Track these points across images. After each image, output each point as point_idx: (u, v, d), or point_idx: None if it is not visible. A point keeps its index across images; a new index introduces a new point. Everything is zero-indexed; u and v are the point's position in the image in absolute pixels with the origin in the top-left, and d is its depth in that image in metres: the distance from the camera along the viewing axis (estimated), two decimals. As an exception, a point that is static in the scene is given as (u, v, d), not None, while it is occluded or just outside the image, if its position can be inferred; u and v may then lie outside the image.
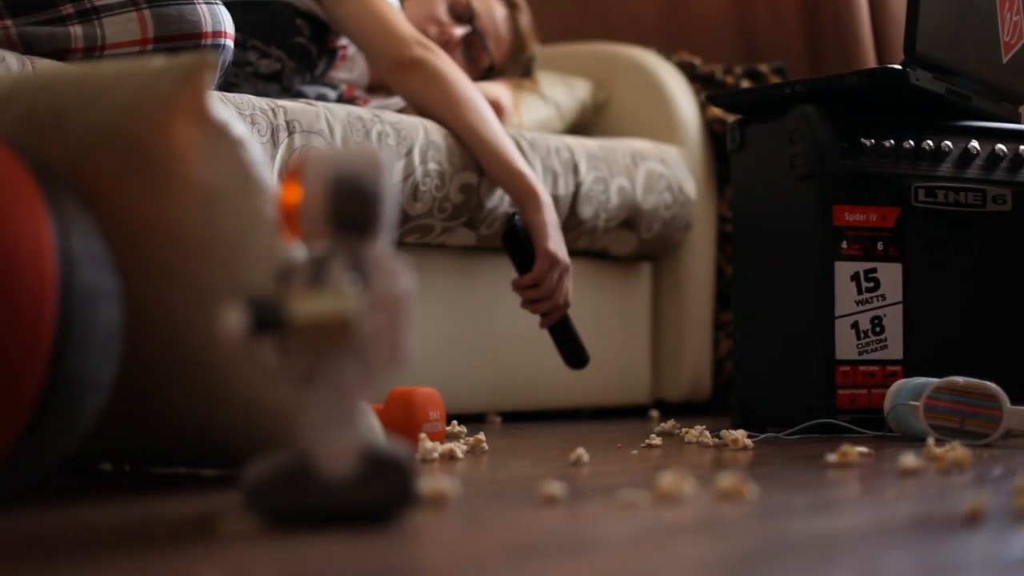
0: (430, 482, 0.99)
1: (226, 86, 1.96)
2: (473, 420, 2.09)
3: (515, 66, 2.33)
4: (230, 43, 1.64)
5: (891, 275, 1.82)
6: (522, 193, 1.93)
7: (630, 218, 2.30)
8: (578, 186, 2.19)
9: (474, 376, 2.15)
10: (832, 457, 1.35)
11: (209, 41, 1.61)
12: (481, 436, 1.52)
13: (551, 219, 1.93)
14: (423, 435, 1.44)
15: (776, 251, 1.86)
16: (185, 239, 1.04)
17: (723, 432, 1.60)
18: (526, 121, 2.36)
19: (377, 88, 2.26)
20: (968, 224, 1.87)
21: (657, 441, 1.59)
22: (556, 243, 1.92)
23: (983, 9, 1.87)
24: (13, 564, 0.74)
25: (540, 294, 1.92)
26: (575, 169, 2.19)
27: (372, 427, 1.15)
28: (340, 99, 2.16)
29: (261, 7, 1.99)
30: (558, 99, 2.49)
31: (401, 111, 2.09)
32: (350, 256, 0.88)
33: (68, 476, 1.20)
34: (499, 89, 2.24)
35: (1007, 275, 1.90)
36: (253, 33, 1.98)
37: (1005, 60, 1.91)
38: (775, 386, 1.85)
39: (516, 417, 2.22)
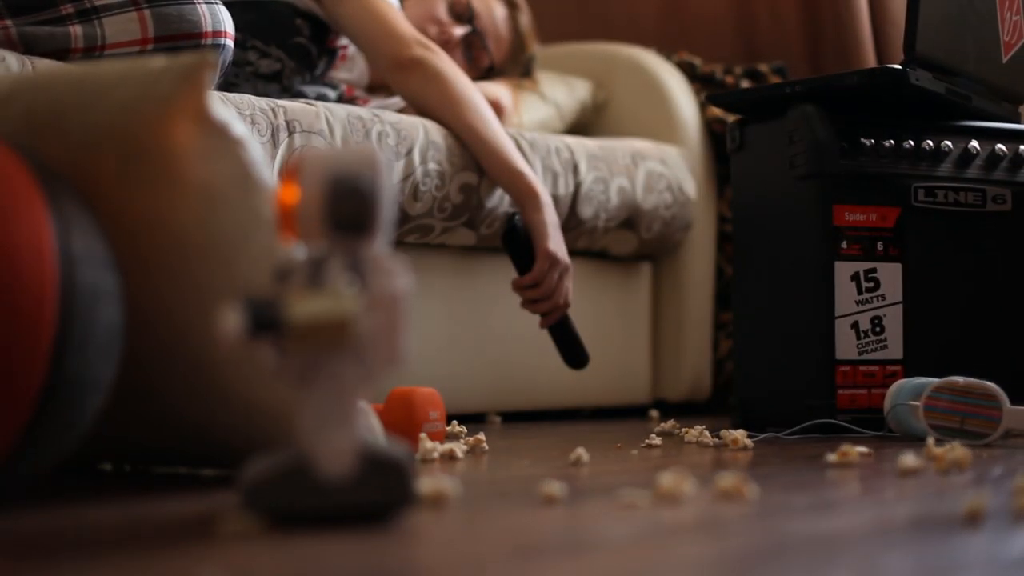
0: (430, 482, 0.99)
1: (226, 86, 1.96)
2: (473, 420, 2.09)
3: (515, 66, 2.33)
4: (230, 43, 1.64)
5: (891, 275, 1.82)
6: (522, 193, 1.93)
7: (630, 218, 2.30)
8: (578, 186, 2.19)
9: (474, 376, 2.15)
10: (832, 457, 1.35)
11: (209, 41, 1.61)
12: (481, 436, 1.52)
13: (551, 219, 1.93)
14: (423, 435, 1.44)
15: (776, 251, 1.86)
16: (185, 239, 1.04)
17: (723, 432, 1.60)
18: (526, 121, 2.36)
19: (377, 88, 2.26)
20: (968, 224, 1.87)
21: (657, 441, 1.59)
22: (556, 243, 1.92)
23: (983, 9, 1.87)
24: (13, 564, 0.74)
25: (540, 294, 1.92)
26: (575, 169, 2.19)
27: (372, 427, 1.15)
28: (340, 99, 2.16)
29: (261, 7, 1.99)
30: (558, 99, 2.49)
31: (401, 111, 2.09)
32: (348, 256, 0.88)
33: (68, 476, 1.20)
34: (499, 89, 2.24)
35: (1007, 275, 1.90)
36: (253, 33, 1.99)
37: (1005, 60, 1.91)
38: (775, 386, 1.85)
39: (516, 417, 2.22)
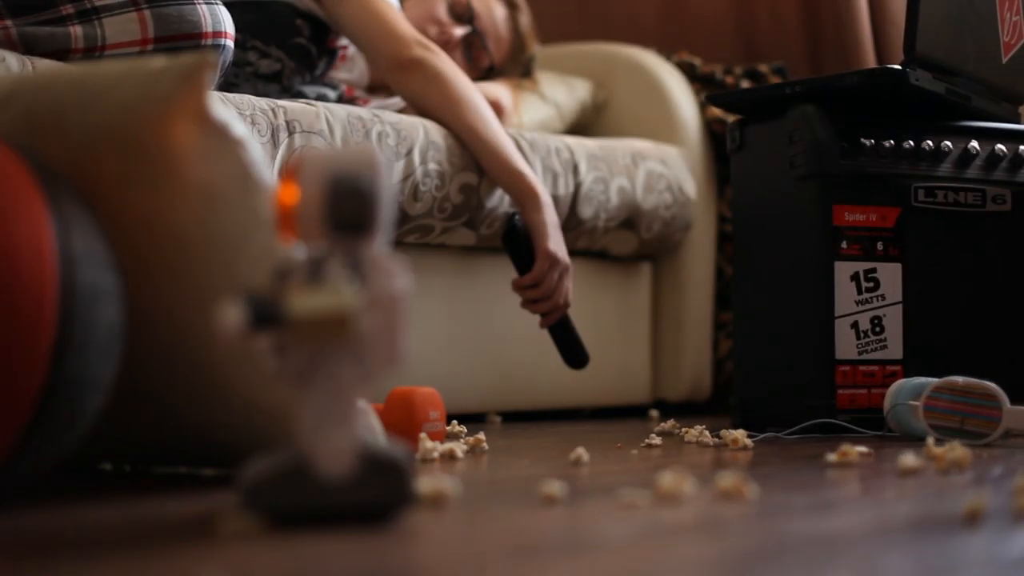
0: (430, 482, 0.99)
1: (226, 86, 1.96)
2: (473, 420, 2.09)
3: (515, 66, 2.33)
4: (230, 43, 1.64)
5: (891, 275, 1.82)
6: (522, 193, 1.93)
7: (630, 218, 2.30)
8: (578, 186, 2.19)
9: (474, 376, 2.15)
10: (832, 457, 1.35)
11: (209, 41, 1.61)
12: (481, 436, 1.52)
13: (551, 219, 1.93)
14: (423, 435, 1.44)
15: (776, 251, 1.86)
16: (185, 239, 1.04)
17: (723, 432, 1.60)
18: (526, 121, 2.36)
19: (377, 88, 2.26)
20: (968, 224, 1.87)
21: (657, 441, 1.59)
22: (556, 243, 1.92)
23: (983, 9, 1.87)
24: (13, 563, 0.74)
25: (540, 294, 1.92)
26: (575, 169, 2.19)
27: (372, 427, 1.15)
28: (340, 99, 2.16)
29: (261, 7, 1.99)
30: (558, 99, 2.49)
31: (401, 111, 2.09)
32: (347, 256, 0.88)
33: (68, 476, 1.20)
34: (499, 89, 2.24)
35: (1007, 275, 1.90)
36: (253, 33, 1.99)
37: (1005, 60, 1.91)
38: (775, 386, 1.86)
39: (516, 417, 2.22)
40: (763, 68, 2.65)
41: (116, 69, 1.07)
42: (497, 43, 2.28)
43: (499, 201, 2.04)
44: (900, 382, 1.67)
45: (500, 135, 1.97)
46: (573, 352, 1.98)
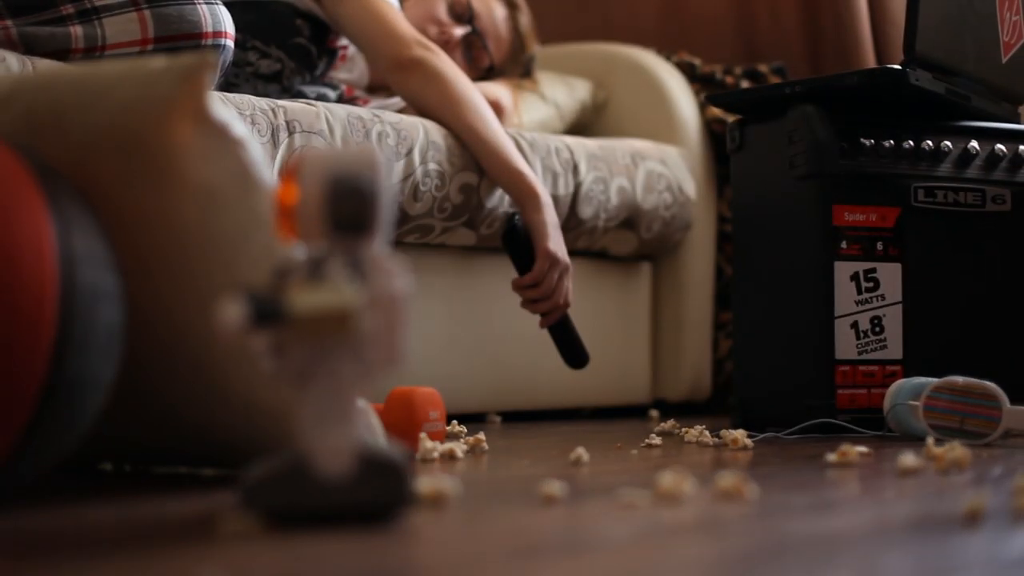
0: (430, 482, 0.99)
1: (226, 86, 1.96)
2: (473, 420, 2.09)
3: (515, 66, 2.33)
4: (230, 43, 1.64)
5: (891, 275, 1.82)
6: (522, 193, 1.93)
7: (630, 218, 2.30)
8: (578, 186, 2.19)
9: (474, 376, 2.15)
10: (832, 457, 1.35)
11: (209, 41, 1.61)
12: (481, 436, 1.52)
13: (551, 219, 1.93)
14: (423, 435, 1.44)
15: (776, 251, 1.86)
16: (185, 239, 1.04)
17: (723, 432, 1.60)
18: (526, 121, 2.36)
19: (377, 88, 2.26)
20: (967, 224, 1.87)
21: (657, 441, 1.59)
22: (556, 243, 1.92)
23: (983, 9, 1.87)
24: (13, 563, 0.74)
25: (540, 294, 1.92)
26: (575, 169, 2.19)
27: (372, 426, 1.15)
28: (340, 99, 2.16)
29: (261, 7, 1.99)
30: (558, 99, 2.49)
31: (401, 111, 2.09)
32: (347, 256, 0.88)
33: (68, 476, 1.20)
34: (499, 89, 2.24)
35: (1006, 275, 1.90)
36: (253, 33, 1.99)
37: (1005, 60, 1.92)
38: (775, 386, 1.86)
39: (516, 417, 2.22)
40: (763, 68, 2.65)
41: (116, 69, 1.07)
42: (497, 43, 2.28)
43: (499, 201, 2.04)
44: (900, 382, 1.67)
45: (500, 135, 1.97)
46: (573, 352, 1.98)
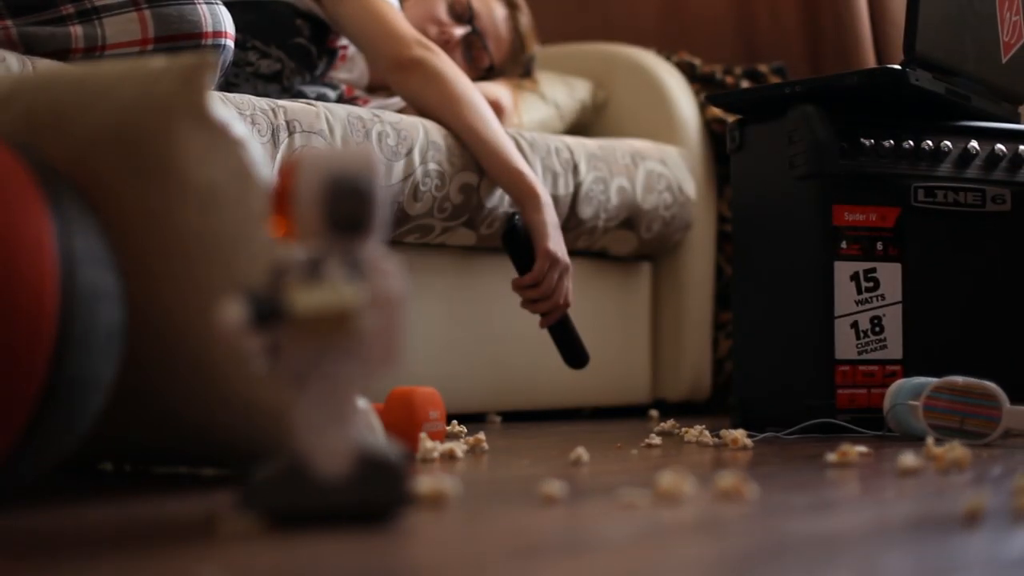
0: (430, 482, 0.99)
1: (226, 86, 1.96)
2: (473, 420, 2.09)
3: (515, 66, 2.33)
4: (230, 43, 1.64)
5: (891, 275, 1.82)
6: (522, 193, 1.93)
7: (630, 218, 2.30)
8: (578, 186, 2.19)
9: (474, 376, 2.15)
10: (832, 457, 1.35)
11: (209, 41, 1.61)
12: (481, 436, 1.52)
13: (551, 219, 1.93)
14: (423, 435, 1.44)
15: (776, 251, 1.86)
16: (185, 239, 1.04)
17: (723, 432, 1.60)
18: (526, 121, 2.36)
19: (377, 88, 2.26)
20: (967, 224, 1.87)
21: (657, 441, 1.59)
22: (556, 243, 1.92)
23: (983, 9, 1.87)
24: (13, 563, 0.74)
25: (540, 294, 1.92)
26: (575, 169, 2.19)
27: (373, 426, 1.15)
28: (340, 99, 2.16)
29: (261, 7, 1.99)
30: (558, 99, 2.49)
31: (401, 111, 2.09)
32: (345, 256, 0.88)
33: (68, 476, 1.20)
34: (499, 89, 2.24)
35: (1006, 275, 1.90)
36: (253, 33, 1.99)
37: (1004, 60, 1.92)
38: (775, 386, 1.86)
39: (516, 417, 2.22)
40: (763, 68, 2.65)
41: (116, 69, 1.07)
42: (497, 43, 2.28)
43: (499, 201, 2.04)
44: (900, 382, 1.67)
45: (500, 135, 1.97)
46: (573, 352, 1.98)
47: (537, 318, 1.97)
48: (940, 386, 1.59)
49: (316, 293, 0.85)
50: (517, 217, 1.93)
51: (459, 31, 2.22)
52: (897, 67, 1.76)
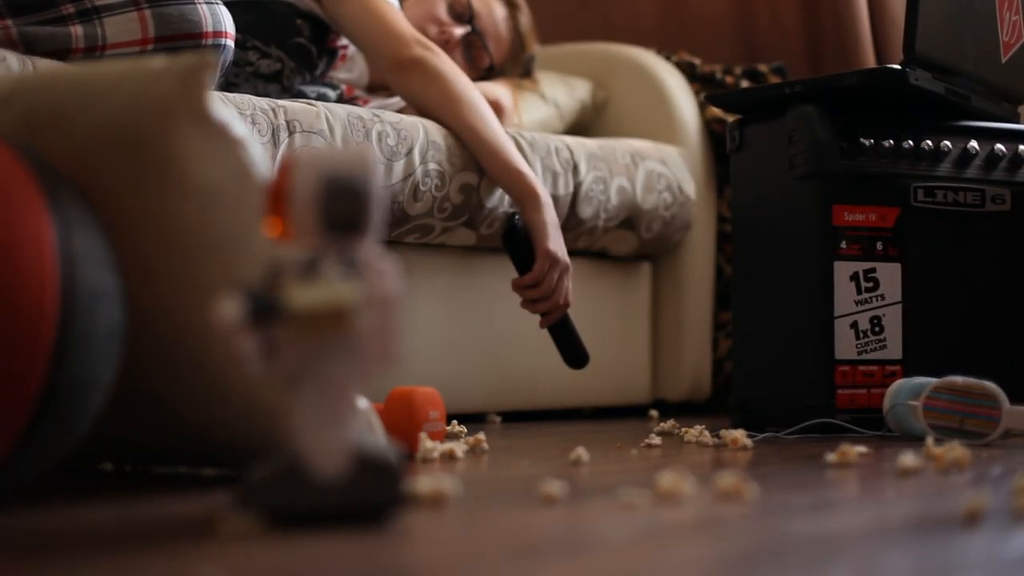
0: (429, 482, 0.99)
1: (226, 86, 1.96)
2: (473, 420, 2.09)
3: (515, 66, 2.33)
4: (231, 43, 1.64)
5: (890, 275, 1.82)
6: (522, 193, 1.93)
7: (630, 218, 2.30)
8: (578, 186, 2.19)
9: (474, 376, 2.15)
10: (831, 457, 1.35)
11: (210, 41, 1.61)
12: (481, 436, 1.52)
13: (551, 219, 1.93)
14: (423, 435, 1.44)
15: (776, 251, 1.86)
16: (185, 239, 1.04)
17: (723, 432, 1.60)
18: (526, 121, 2.36)
19: (377, 88, 2.26)
20: (967, 224, 1.87)
21: (657, 441, 1.59)
22: (556, 243, 1.92)
23: (982, 9, 1.87)
24: (13, 563, 0.74)
25: (540, 294, 1.92)
26: (575, 169, 2.19)
27: (373, 426, 1.15)
28: (340, 99, 2.16)
29: (261, 7, 1.99)
30: (558, 99, 2.49)
31: (401, 111, 2.09)
32: (341, 255, 0.88)
33: (68, 476, 1.20)
34: (499, 89, 2.24)
35: (1006, 275, 1.90)
36: (253, 33, 1.99)
37: (1004, 60, 1.92)
38: (775, 386, 1.86)
39: (516, 417, 2.22)
40: (763, 68, 2.65)
41: (116, 69, 1.07)
42: (497, 43, 2.28)
43: (499, 201, 2.04)
44: (900, 382, 1.67)
45: (500, 135, 1.97)
46: (573, 352, 1.98)
47: (537, 318, 1.97)
48: (940, 386, 1.59)
49: (313, 291, 0.85)
50: (517, 217, 1.93)
51: (459, 31, 2.22)
52: (897, 67, 1.76)
